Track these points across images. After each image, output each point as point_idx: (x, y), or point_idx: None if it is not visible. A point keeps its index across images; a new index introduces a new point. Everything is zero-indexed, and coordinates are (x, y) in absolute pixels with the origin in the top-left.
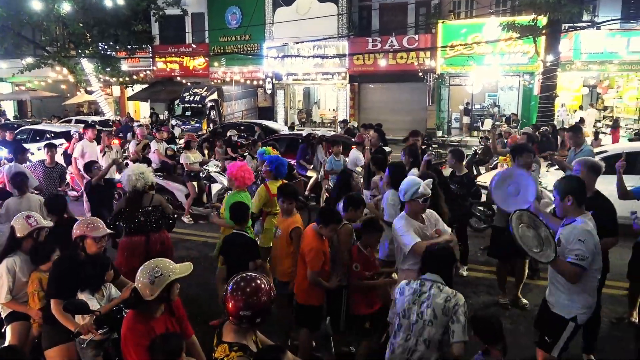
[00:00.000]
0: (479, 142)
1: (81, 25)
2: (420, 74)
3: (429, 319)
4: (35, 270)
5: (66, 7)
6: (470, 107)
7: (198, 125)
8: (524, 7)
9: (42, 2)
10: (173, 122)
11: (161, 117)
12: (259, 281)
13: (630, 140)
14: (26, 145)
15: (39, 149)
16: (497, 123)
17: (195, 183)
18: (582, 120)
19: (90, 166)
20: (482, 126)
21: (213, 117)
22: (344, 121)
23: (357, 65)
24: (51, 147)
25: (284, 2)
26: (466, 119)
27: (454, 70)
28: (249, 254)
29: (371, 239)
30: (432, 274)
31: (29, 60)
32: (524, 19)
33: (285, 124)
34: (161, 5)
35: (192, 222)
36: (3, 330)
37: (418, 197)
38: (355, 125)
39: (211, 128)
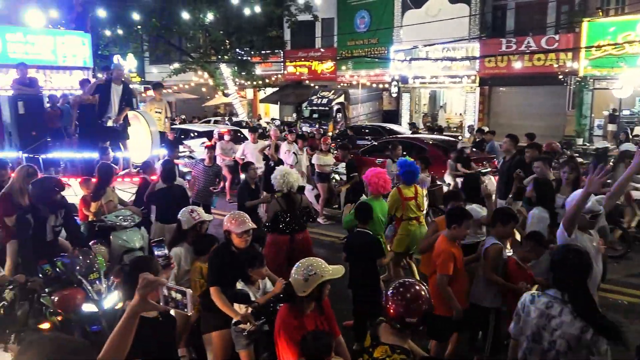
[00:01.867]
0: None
1: (222, 32)
2: (560, 76)
3: (563, 351)
4: (197, 260)
5: (210, 17)
6: (617, 113)
7: (325, 127)
8: None
9: (190, 13)
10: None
11: (289, 119)
12: (418, 287)
13: None
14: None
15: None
16: None
17: (325, 184)
18: None
19: (247, 166)
20: (631, 134)
21: (339, 119)
22: (471, 126)
23: (488, 68)
24: (210, 149)
25: (414, 4)
26: (612, 126)
27: (600, 72)
28: (372, 252)
29: (532, 254)
30: (560, 290)
31: (176, 65)
32: None
33: (410, 127)
34: (294, 12)
35: (328, 223)
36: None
37: (586, 212)
38: (486, 130)
39: (337, 130)
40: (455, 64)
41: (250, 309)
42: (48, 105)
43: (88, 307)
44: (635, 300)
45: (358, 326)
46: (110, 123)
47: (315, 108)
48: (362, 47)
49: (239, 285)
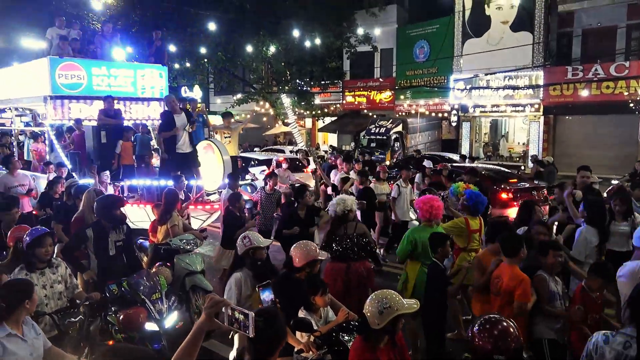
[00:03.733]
0: None
1: (283, 64)
2: (631, 104)
3: None
4: (258, 286)
5: (272, 49)
6: None
7: (382, 156)
8: None
9: (254, 46)
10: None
11: (347, 147)
12: (506, 323)
13: None
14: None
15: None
16: None
17: (382, 213)
18: None
19: (302, 192)
20: None
21: (397, 148)
22: (534, 156)
23: (553, 96)
24: (272, 176)
25: (474, 33)
26: None
27: None
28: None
29: (595, 283)
30: (637, 327)
31: (239, 95)
32: None
33: (470, 157)
34: (353, 43)
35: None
36: (231, 336)
37: None
38: (551, 160)
39: (394, 160)
40: (518, 92)
41: (312, 338)
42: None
43: (150, 326)
44: None
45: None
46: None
47: (373, 137)
48: (421, 77)
49: (302, 313)
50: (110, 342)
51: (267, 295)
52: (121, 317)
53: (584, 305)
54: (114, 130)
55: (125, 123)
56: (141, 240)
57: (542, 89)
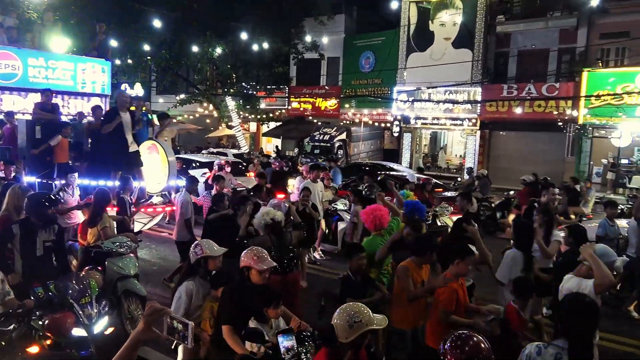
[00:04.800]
0: (627, 200)
1: (229, 66)
2: (560, 123)
3: None
4: (209, 298)
5: (218, 50)
6: (616, 162)
7: (317, 163)
8: None
9: (200, 46)
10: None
11: (291, 153)
12: (476, 339)
13: None
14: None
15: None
16: None
17: (323, 220)
18: None
19: (244, 201)
20: (629, 183)
21: (340, 156)
22: (470, 168)
23: (489, 112)
24: (219, 180)
25: (418, 47)
26: (611, 175)
27: (599, 121)
28: None
29: (526, 302)
30: (568, 339)
31: (182, 96)
32: None
33: (410, 167)
34: (301, 50)
35: (324, 259)
36: (174, 347)
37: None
38: (486, 173)
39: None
40: (457, 107)
41: (263, 349)
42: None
43: (78, 332)
44: (627, 348)
45: None
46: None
47: (317, 144)
48: (366, 87)
49: (252, 323)
50: (35, 348)
51: (286, 343)
52: (46, 322)
53: (517, 324)
54: (49, 126)
55: (63, 118)
56: (71, 242)
57: (479, 104)
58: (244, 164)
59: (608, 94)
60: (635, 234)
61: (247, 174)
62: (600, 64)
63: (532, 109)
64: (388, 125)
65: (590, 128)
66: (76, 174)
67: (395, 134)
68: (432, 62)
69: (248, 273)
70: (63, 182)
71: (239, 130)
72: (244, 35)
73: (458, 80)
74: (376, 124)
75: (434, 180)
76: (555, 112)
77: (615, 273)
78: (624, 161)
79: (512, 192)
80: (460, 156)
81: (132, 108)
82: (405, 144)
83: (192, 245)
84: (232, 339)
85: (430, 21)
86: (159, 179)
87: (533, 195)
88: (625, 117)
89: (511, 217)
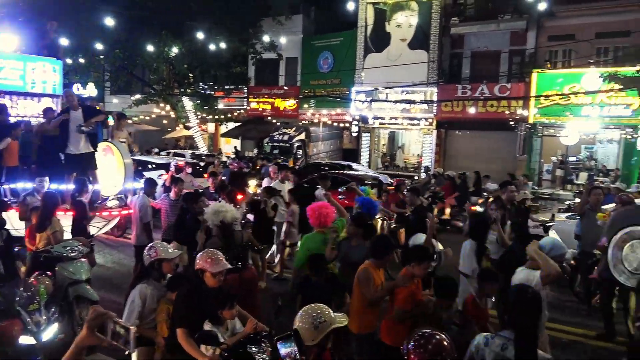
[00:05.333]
0: (573, 196)
1: (186, 66)
2: (512, 122)
3: None
4: (163, 300)
5: (175, 50)
6: (565, 159)
7: (285, 163)
8: (628, 58)
9: (155, 46)
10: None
11: (250, 153)
12: (439, 337)
13: None
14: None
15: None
16: (594, 177)
17: None
18: None
19: (196, 198)
20: (576, 179)
21: (299, 156)
22: (427, 167)
23: (445, 112)
24: (177, 182)
25: (375, 48)
26: (560, 172)
27: (548, 120)
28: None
29: (490, 289)
30: (514, 330)
31: (138, 96)
32: (628, 69)
33: (369, 166)
34: (259, 50)
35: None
36: (127, 353)
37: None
38: (442, 171)
39: (297, 166)
40: (414, 106)
41: (218, 351)
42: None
43: (26, 340)
44: (572, 337)
45: None
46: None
47: (276, 144)
48: (325, 87)
49: (207, 326)
50: None
51: (286, 350)
52: None
53: (475, 315)
54: None
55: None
56: (18, 248)
57: (435, 104)
58: (200, 164)
59: (556, 94)
60: (582, 229)
61: (205, 175)
62: (549, 65)
63: (486, 108)
64: (347, 125)
65: (540, 127)
66: (47, 179)
67: (354, 134)
68: (389, 62)
69: (202, 276)
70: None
71: (197, 131)
72: (200, 35)
73: (414, 80)
74: (335, 124)
75: (408, 181)
76: (507, 112)
77: (565, 264)
78: (571, 159)
79: (437, 188)
80: (418, 155)
81: (98, 108)
82: (364, 143)
83: (146, 248)
84: (187, 342)
85: (386, 22)
86: (115, 181)
87: (455, 190)
88: (572, 116)
89: (436, 210)
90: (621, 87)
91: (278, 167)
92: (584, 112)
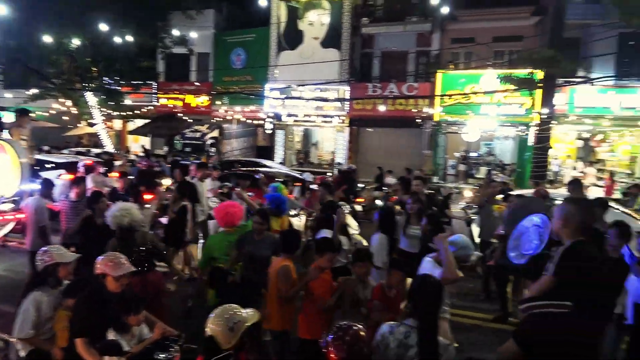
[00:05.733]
0: (471, 190)
1: (89, 59)
2: (419, 120)
3: None
4: (62, 307)
5: (76, 42)
6: (467, 155)
7: (197, 161)
8: (520, 61)
9: (53, 37)
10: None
11: (160, 151)
12: (356, 328)
13: (623, 193)
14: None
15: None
16: (493, 172)
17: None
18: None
19: (96, 199)
20: (477, 174)
21: (212, 154)
22: (339, 164)
23: (357, 110)
24: (79, 182)
25: (289, 45)
26: (463, 167)
27: (451, 118)
28: None
29: (394, 279)
30: (417, 318)
31: (34, 90)
32: (521, 72)
33: (283, 163)
34: (168, 44)
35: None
36: None
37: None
38: (354, 167)
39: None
40: (327, 104)
41: None
42: None
43: None
44: (473, 321)
45: None
46: None
47: (188, 141)
48: (238, 84)
49: (110, 334)
50: None
51: None
52: None
53: (381, 301)
54: None
55: None
56: None
57: (347, 102)
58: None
59: (458, 94)
60: (480, 220)
61: (110, 175)
62: (452, 67)
63: (395, 107)
64: (261, 122)
65: (444, 124)
66: None
67: (268, 131)
68: (302, 60)
69: (104, 280)
70: None
71: (103, 128)
72: (104, 27)
73: (327, 78)
74: (249, 121)
75: (330, 179)
76: (415, 110)
77: (468, 263)
78: (473, 154)
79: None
80: (332, 152)
81: None
82: (279, 140)
83: (39, 252)
84: (87, 353)
85: (299, 20)
86: (9, 182)
87: (344, 183)
88: (473, 114)
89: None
90: (515, 87)
91: (197, 166)
92: (483, 110)
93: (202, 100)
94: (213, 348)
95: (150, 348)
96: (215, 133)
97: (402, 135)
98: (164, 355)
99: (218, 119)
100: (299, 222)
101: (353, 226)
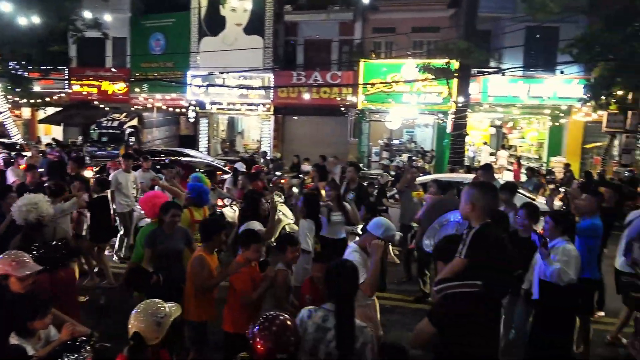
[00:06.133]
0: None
1: None
2: (343, 108)
3: None
4: None
5: None
6: (390, 142)
7: (115, 152)
8: (438, 51)
9: None
10: (88, 147)
11: (75, 141)
12: (282, 317)
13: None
14: None
15: None
16: (413, 158)
17: None
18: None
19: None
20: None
21: (131, 143)
22: (264, 152)
23: (281, 98)
24: None
25: (210, 31)
26: (386, 154)
27: (374, 106)
28: None
29: (316, 270)
30: (334, 302)
31: None
32: (438, 62)
33: (208, 153)
34: (80, 27)
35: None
36: None
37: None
38: (279, 156)
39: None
40: (252, 92)
41: None
42: None
43: None
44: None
45: None
46: None
47: (105, 131)
48: (158, 70)
49: (13, 339)
50: None
51: None
52: None
53: (312, 296)
54: None
55: None
56: None
57: (272, 90)
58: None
59: (380, 82)
60: (401, 205)
61: (17, 167)
62: (374, 56)
63: (319, 95)
64: (183, 110)
65: (367, 113)
66: None
67: (191, 120)
68: (225, 47)
69: (6, 282)
70: None
71: (9, 117)
72: (6, 6)
73: (251, 66)
74: (170, 109)
75: (265, 168)
76: (339, 98)
77: (395, 243)
78: (395, 141)
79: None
80: (258, 141)
81: None
82: (202, 129)
83: None
84: None
85: (221, 6)
86: None
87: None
88: (395, 103)
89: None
90: (433, 77)
91: (123, 156)
92: (404, 99)
93: (120, 87)
94: (138, 345)
95: (58, 350)
96: (135, 122)
97: (327, 124)
98: (74, 357)
99: (137, 107)
100: (232, 212)
101: (289, 216)
